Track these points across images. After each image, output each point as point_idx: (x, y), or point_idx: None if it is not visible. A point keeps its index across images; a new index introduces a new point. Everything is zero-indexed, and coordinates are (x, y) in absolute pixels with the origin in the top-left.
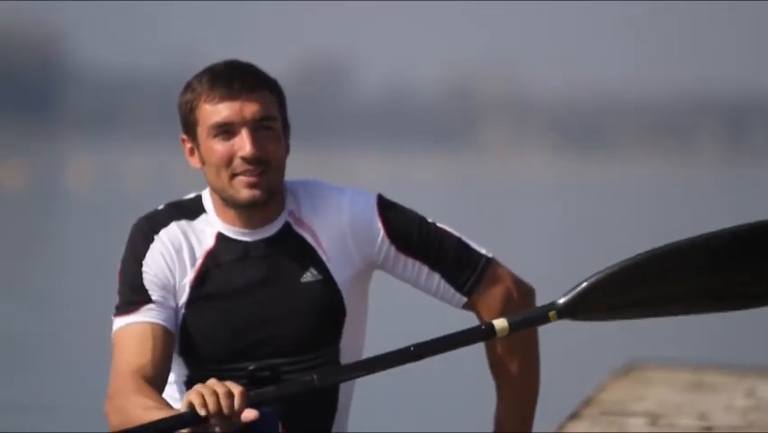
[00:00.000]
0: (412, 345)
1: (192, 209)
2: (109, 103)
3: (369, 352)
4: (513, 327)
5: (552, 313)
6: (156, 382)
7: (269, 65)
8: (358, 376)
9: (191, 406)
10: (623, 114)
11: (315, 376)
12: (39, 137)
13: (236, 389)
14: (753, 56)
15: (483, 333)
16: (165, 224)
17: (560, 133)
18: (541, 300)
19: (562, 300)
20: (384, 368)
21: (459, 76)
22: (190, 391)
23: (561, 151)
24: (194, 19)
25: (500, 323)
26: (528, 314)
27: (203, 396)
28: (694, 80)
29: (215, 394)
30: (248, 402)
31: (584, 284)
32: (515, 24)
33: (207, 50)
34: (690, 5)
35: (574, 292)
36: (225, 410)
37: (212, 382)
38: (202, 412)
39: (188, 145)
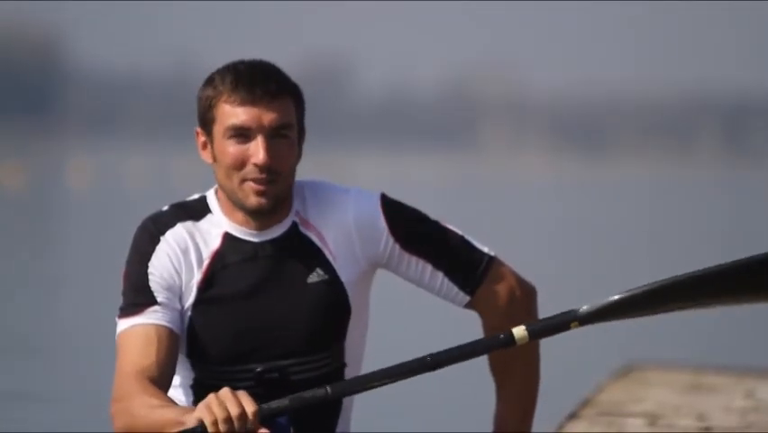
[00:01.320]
0: (429, 355)
1: (197, 210)
2: (109, 103)
3: (371, 350)
4: (533, 334)
5: (574, 323)
6: (161, 384)
7: None
8: (372, 388)
9: (201, 422)
10: (623, 114)
11: (328, 388)
12: (39, 137)
13: (250, 408)
14: (753, 56)
15: (502, 341)
16: (171, 225)
17: (559, 133)
18: (541, 300)
19: (583, 309)
20: (399, 378)
21: (459, 76)
22: (201, 406)
23: (560, 151)
24: (194, 19)
25: (519, 331)
26: (549, 321)
27: (215, 415)
28: (694, 80)
29: (229, 419)
30: (260, 417)
31: (609, 300)
32: (515, 24)
33: (207, 51)
34: (690, 5)
35: (599, 306)
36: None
37: (225, 395)
38: (212, 431)
39: (202, 139)
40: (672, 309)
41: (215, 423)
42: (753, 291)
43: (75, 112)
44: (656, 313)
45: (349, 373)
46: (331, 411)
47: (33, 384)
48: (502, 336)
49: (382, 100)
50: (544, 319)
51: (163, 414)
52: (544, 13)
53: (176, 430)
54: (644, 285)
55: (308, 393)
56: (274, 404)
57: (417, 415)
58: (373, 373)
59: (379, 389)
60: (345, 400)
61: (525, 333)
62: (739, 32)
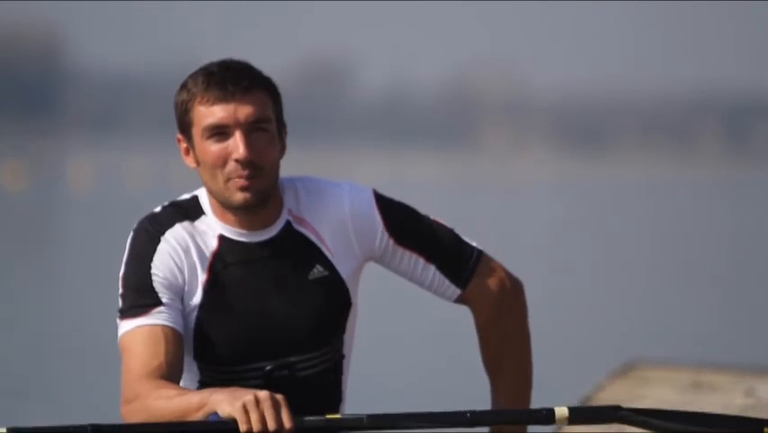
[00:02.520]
0: (468, 411)
1: (192, 210)
2: (109, 103)
3: (371, 343)
4: (573, 418)
5: (615, 420)
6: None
7: (270, 65)
8: (408, 427)
9: (233, 420)
10: (623, 114)
11: (365, 418)
12: (39, 137)
13: (288, 423)
14: (755, 55)
15: (544, 417)
16: (170, 225)
17: (560, 132)
18: (542, 299)
19: (628, 410)
20: (436, 426)
21: (459, 76)
22: (238, 404)
23: (561, 150)
24: (194, 19)
25: (561, 411)
26: (591, 411)
27: (251, 424)
28: (696, 80)
29: (264, 425)
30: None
31: (653, 414)
32: (515, 24)
33: (207, 51)
34: (690, 5)
35: (642, 417)
36: None
37: (266, 402)
38: (243, 430)
39: (184, 145)
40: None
41: (248, 423)
42: None
43: (75, 112)
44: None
45: (347, 365)
46: (330, 411)
47: (34, 384)
48: (544, 411)
49: (382, 100)
50: (588, 407)
51: (184, 400)
52: (545, 12)
53: (200, 414)
54: (691, 412)
55: (345, 417)
56: (309, 421)
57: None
58: (411, 414)
59: (374, 389)
60: (344, 399)
61: (567, 414)
62: (741, 31)
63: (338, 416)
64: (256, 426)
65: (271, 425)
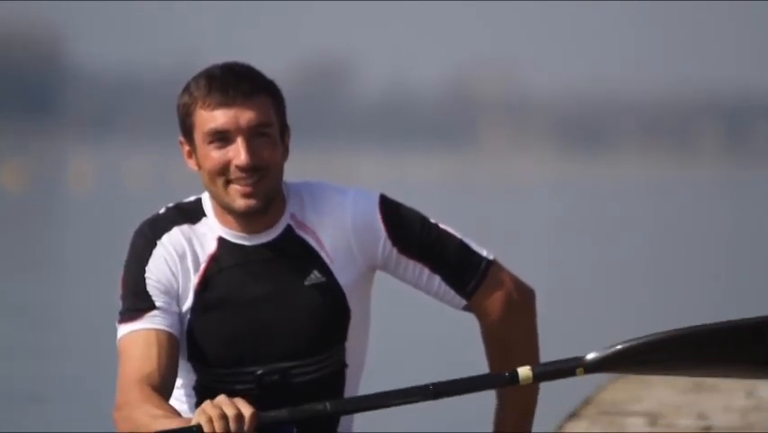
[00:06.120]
0: (431, 384)
1: (193, 212)
2: (109, 103)
3: (372, 350)
4: (537, 376)
5: (579, 369)
6: (163, 389)
7: (269, 65)
8: (371, 409)
9: (198, 426)
10: (623, 114)
11: (327, 404)
12: (39, 137)
13: (247, 411)
14: (753, 56)
15: (506, 379)
16: (167, 229)
17: (560, 132)
18: (541, 302)
19: (590, 357)
20: (399, 403)
21: (459, 76)
22: (198, 410)
23: (561, 151)
24: (194, 19)
25: (525, 371)
26: (555, 365)
27: (211, 418)
28: (695, 80)
29: (225, 417)
30: (258, 424)
31: (617, 347)
32: (515, 24)
33: (207, 51)
34: (690, 5)
35: (605, 353)
36: None
37: (221, 399)
38: (208, 431)
39: (186, 148)
40: (682, 369)
41: (210, 421)
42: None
43: (75, 112)
44: (666, 372)
45: (350, 374)
46: (331, 420)
47: (34, 385)
48: (507, 374)
49: (382, 100)
50: (551, 363)
51: (164, 424)
52: (545, 12)
53: None
54: (655, 333)
55: (308, 407)
56: (272, 414)
57: (419, 414)
58: (375, 395)
59: (381, 383)
60: None
61: (530, 374)
62: (741, 31)
63: (300, 407)
64: (214, 414)
65: (230, 412)
